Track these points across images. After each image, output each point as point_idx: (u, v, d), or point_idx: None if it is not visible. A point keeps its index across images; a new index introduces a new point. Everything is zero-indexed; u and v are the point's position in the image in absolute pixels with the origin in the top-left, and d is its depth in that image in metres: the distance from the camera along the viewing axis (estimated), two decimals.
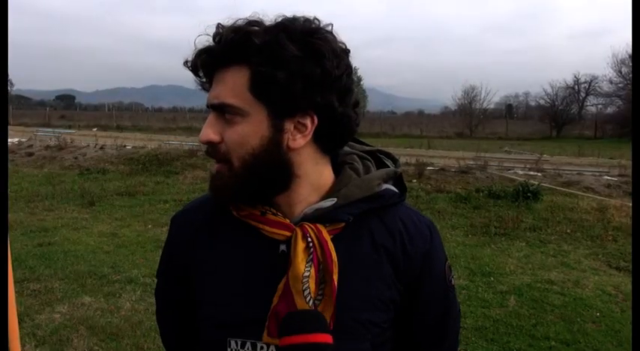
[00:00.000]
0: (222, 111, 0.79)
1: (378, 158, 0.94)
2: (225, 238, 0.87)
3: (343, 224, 0.83)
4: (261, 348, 0.81)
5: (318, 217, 0.82)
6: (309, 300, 0.77)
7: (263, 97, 0.78)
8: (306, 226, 0.80)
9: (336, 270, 0.79)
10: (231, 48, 0.77)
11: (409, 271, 0.87)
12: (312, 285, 0.78)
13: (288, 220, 0.82)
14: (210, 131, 0.80)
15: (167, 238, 0.97)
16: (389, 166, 0.91)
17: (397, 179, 0.91)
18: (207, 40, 0.81)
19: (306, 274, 0.78)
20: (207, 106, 0.82)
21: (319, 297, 0.79)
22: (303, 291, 0.77)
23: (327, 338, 0.74)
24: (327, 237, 0.80)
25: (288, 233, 0.81)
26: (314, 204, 0.83)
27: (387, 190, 0.87)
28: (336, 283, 0.79)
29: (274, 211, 0.83)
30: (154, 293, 1.04)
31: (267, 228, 0.82)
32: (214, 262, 0.87)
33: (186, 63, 0.82)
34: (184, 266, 0.91)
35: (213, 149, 0.81)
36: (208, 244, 0.88)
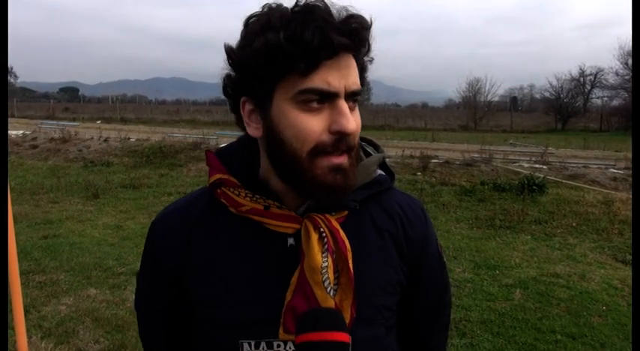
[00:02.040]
0: (352, 97, 0.76)
1: (361, 145, 0.93)
2: (224, 235, 0.82)
3: (346, 212, 0.82)
4: (278, 346, 0.79)
5: (322, 206, 0.80)
6: (330, 290, 0.75)
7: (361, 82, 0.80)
8: (316, 217, 0.78)
9: (350, 258, 0.78)
10: (361, 32, 0.73)
11: (411, 255, 0.88)
12: (331, 275, 0.76)
13: (294, 213, 0.79)
14: (353, 120, 0.75)
15: (149, 243, 0.88)
16: (371, 153, 0.90)
17: (382, 164, 0.91)
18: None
19: (325, 264, 0.76)
20: (331, 93, 0.72)
21: (334, 287, 0.77)
22: (323, 282, 0.75)
23: (345, 337, 0.71)
24: (337, 226, 0.79)
25: (296, 226, 0.78)
26: None
27: (381, 175, 0.88)
28: (352, 271, 0.77)
29: (278, 204, 0.79)
30: (135, 304, 0.95)
31: (272, 222, 0.79)
32: (213, 262, 0.82)
33: (302, 35, 0.69)
34: (177, 268, 0.84)
35: (347, 140, 0.74)
36: (205, 242, 0.83)
